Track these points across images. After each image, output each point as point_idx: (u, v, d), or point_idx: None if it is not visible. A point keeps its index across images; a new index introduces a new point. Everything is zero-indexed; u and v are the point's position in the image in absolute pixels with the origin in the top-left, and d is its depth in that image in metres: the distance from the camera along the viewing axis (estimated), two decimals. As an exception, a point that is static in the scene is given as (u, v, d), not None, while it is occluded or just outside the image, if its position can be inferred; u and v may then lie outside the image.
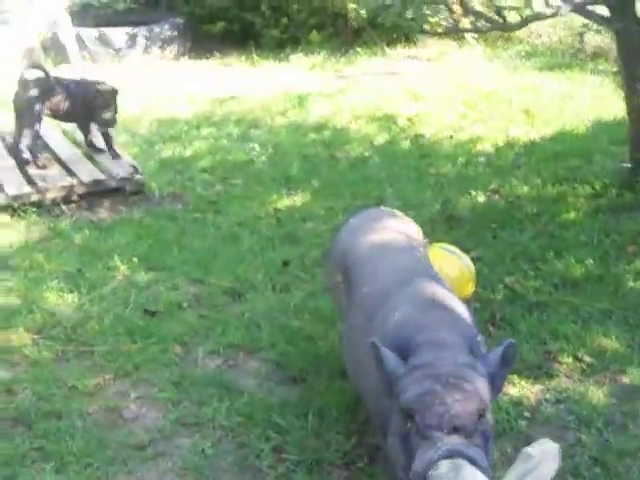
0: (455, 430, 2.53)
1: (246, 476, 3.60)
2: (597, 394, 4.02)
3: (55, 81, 6.79)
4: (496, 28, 6.14)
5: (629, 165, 6.43)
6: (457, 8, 5.80)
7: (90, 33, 10.58)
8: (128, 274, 5.34)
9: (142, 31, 10.82)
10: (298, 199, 6.49)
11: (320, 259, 5.43)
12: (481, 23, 6.02)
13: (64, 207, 6.29)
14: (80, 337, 4.67)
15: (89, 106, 6.71)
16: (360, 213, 4.04)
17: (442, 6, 5.60)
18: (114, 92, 6.73)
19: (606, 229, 5.74)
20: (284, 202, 6.45)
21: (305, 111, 8.64)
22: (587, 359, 4.31)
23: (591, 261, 5.33)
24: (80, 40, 10.52)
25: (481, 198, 6.38)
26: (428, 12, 5.53)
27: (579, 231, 5.73)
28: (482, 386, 2.67)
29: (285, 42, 11.06)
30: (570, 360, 4.33)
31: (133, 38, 10.79)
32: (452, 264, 4.78)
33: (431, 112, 8.34)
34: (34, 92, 6.61)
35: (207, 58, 10.95)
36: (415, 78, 9.57)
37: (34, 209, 6.24)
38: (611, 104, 8.10)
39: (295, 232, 5.94)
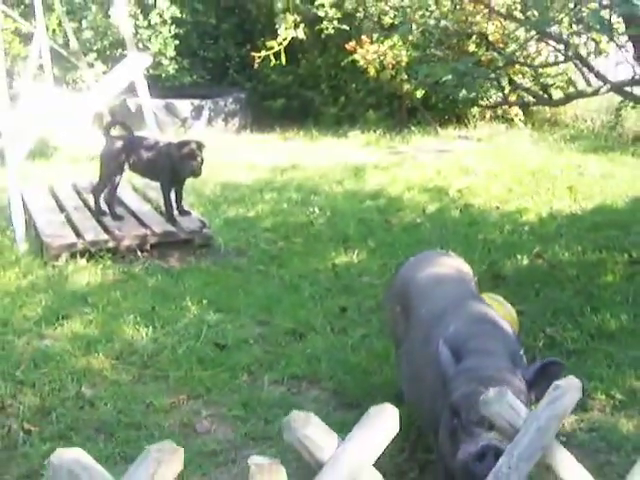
0: (493, 427, 2.96)
1: (308, 480, 4.02)
2: (627, 425, 4.40)
3: (139, 138, 7.42)
4: (541, 103, 6.68)
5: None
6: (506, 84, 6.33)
7: (157, 103, 11.31)
8: (198, 314, 5.84)
9: (207, 103, 11.53)
10: (354, 256, 6.98)
11: (374, 307, 5.91)
12: (528, 98, 6.56)
13: (139, 253, 6.83)
14: (156, 364, 5.15)
15: (174, 158, 7.14)
16: (418, 254, 4.55)
17: (493, 83, 6.13)
18: (200, 143, 7.22)
19: (642, 290, 6.14)
20: (342, 258, 6.95)
21: (361, 181, 9.21)
22: (619, 396, 4.69)
23: (625, 316, 5.72)
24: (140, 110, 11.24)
25: (525, 261, 6.82)
26: (483, 85, 6.04)
27: (616, 292, 6.13)
28: (519, 389, 3.10)
29: (343, 119, 11.71)
30: (603, 397, 4.71)
31: (198, 110, 11.51)
32: (496, 308, 5.24)
33: (480, 185, 8.85)
34: (118, 146, 7.24)
35: (268, 132, 11.61)
36: (466, 156, 10.12)
37: (109, 255, 6.80)
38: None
39: (352, 284, 6.42)
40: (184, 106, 11.52)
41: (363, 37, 10.73)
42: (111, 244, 6.92)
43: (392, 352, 4.95)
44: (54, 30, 11.78)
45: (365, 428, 2.00)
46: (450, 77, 6.10)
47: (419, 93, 10.70)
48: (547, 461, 2.26)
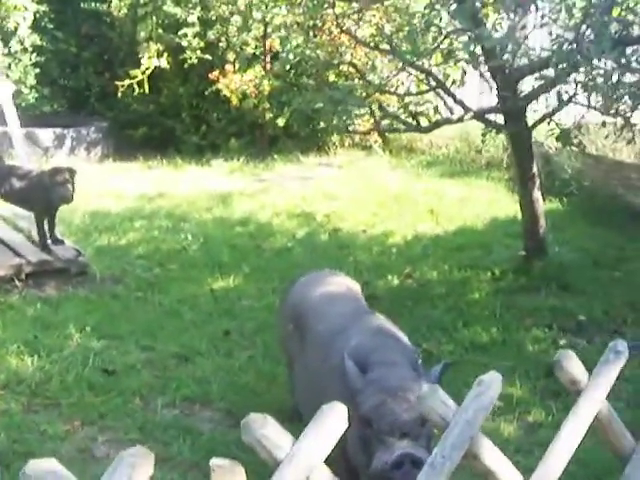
0: (404, 435, 3.18)
1: (213, 497, 4.12)
2: (508, 429, 4.73)
3: (9, 167, 7.34)
4: (410, 130, 7.03)
5: (523, 253, 7.34)
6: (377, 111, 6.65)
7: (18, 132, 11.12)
8: (82, 341, 5.84)
9: (69, 132, 11.43)
10: (231, 281, 7.12)
11: (257, 329, 6.08)
12: (398, 125, 6.90)
13: (17, 282, 6.75)
14: (45, 392, 5.13)
15: (46, 186, 7.11)
16: (307, 274, 4.75)
17: (366, 109, 6.43)
18: (71, 170, 7.21)
19: (506, 305, 6.58)
20: (219, 283, 7.08)
21: (229, 208, 9.36)
22: (497, 403, 4.99)
23: (495, 330, 6.13)
24: (9, 139, 11.05)
25: (396, 281, 7.15)
26: (356, 113, 6.32)
27: (483, 307, 6.55)
28: None
29: (204, 148, 11.83)
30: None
31: (60, 139, 11.39)
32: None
33: (346, 210, 9.16)
34: None
35: (131, 161, 11.59)
36: (328, 182, 10.43)
37: (-17, 286, 6.71)
38: (504, 205, 9.10)
39: (232, 308, 6.56)
40: (46, 135, 11.38)
41: (227, 67, 10.92)
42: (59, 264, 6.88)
43: (279, 371, 5.15)
44: None
45: (317, 427, 2.16)
46: (323, 105, 6.37)
47: (281, 121, 10.94)
48: (474, 450, 2.48)
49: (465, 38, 5.36)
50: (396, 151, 11.87)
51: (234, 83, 10.78)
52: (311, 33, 7.39)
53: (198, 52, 11.10)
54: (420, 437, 3.21)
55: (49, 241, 7.28)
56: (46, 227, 7.33)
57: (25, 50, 11.52)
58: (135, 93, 10.82)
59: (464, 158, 11.22)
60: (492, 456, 2.57)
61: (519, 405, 4.99)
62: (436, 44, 5.79)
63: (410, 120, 6.74)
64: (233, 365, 5.55)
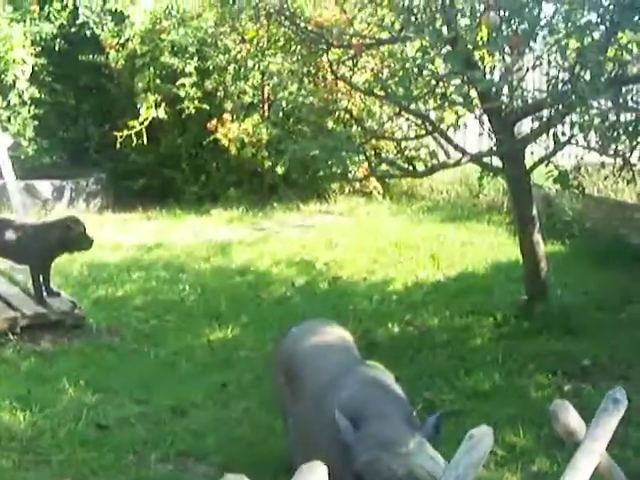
0: None
1: None
2: (511, 479, 4.59)
3: (3, 221, 7.29)
4: (406, 175, 6.97)
5: (525, 297, 7.23)
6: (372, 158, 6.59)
7: (17, 184, 11.07)
8: (76, 395, 5.73)
9: (68, 184, 11.41)
10: (229, 332, 7.02)
11: (254, 380, 5.96)
12: (393, 171, 6.84)
13: (10, 336, 6.65)
14: (36, 448, 5.01)
15: (59, 241, 7.08)
16: (300, 324, 4.66)
17: (361, 156, 6.37)
18: (74, 218, 7.27)
19: (509, 351, 6.44)
20: (216, 334, 6.98)
21: (228, 257, 9.28)
22: (500, 452, 4.87)
23: (497, 376, 5.99)
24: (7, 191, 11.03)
25: (396, 329, 7.03)
26: (351, 159, 6.25)
27: (485, 353, 6.42)
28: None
29: (204, 198, 11.77)
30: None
31: (60, 190, 11.36)
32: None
33: (346, 258, 9.07)
34: None
35: (130, 211, 11.53)
36: (328, 230, 10.35)
37: (-22, 340, 6.61)
38: (506, 249, 8.99)
39: (229, 359, 6.46)
40: (45, 187, 11.35)
41: (225, 116, 10.91)
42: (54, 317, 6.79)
43: (276, 423, 5.02)
44: None
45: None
46: (318, 152, 6.32)
47: (280, 170, 10.92)
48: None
49: (458, 81, 5.31)
50: (396, 197, 11.80)
51: (232, 132, 10.76)
52: (306, 80, 7.36)
53: (196, 102, 11.08)
54: None
55: (45, 294, 7.19)
56: (41, 280, 7.25)
57: (24, 103, 11.50)
58: (134, 144, 10.80)
59: (465, 202, 11.15)
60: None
61: (523, 454, 4.85)
62: (430, 88, 5.74)
63: (406, 165, 6.67)
64: (229, 417, 5.43)
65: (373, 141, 7.04)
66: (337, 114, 8.33)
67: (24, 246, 7.14)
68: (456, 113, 6.52)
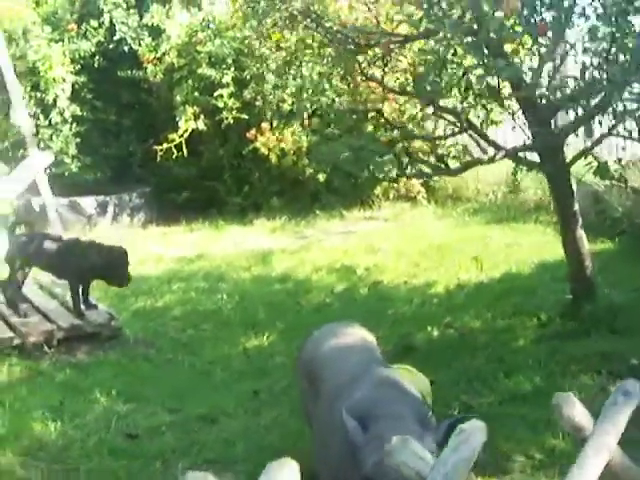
0: None
1: None
2: (549, 487, 4.40)
3: (44, 236, 7.30)
4: (439, 173, 6.81)
5: (570, 297, 6.99)
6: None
7: (61, 201, 11.16)
8: (108, 405, 5.69)
9: (112, 199, 11.45)
10: (265, 339, 6.92)
11: (287, 387, 5.84)
12: (426, 170, 6.68)
13: (46, 348, 6.63)
14: (66, 458, 4.97)
15: (100, 266, 7.02)
16: (322, 327, 4.54)
17: (391, 156, 6.22)
18: (126, 253, 7.12)
19: (552, 352, 6.22)
20: (252, 342, 6.89)
21: (269, 266, 9.19)
22: (538, 456, 4.69)
23: (538, 379, 5.79)
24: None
25: (436, 332, 6.85)
26: (379, 160, 6.11)
27: (527, 355, 6.20)
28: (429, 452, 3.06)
29: (247, 208, 11.71)
30: (523, 459, 4.72)
31: (103, 206, 11.41)
32: (410, 382, 5.24)
33: (387, 263, 8.92)
34: (23, 245, 7.19)
35: (173, 225, 11.51)
36: (371, 235, 10.20)
37: (16, 352, 6.59)
38: (552, 248, 8.71)
39: (264, 366, 6.36)
40: (88, 203, 11.41)
41: (263, 125, 10.83)
42: (17, 341, 6.74)
43: (305, 430, 4.88)
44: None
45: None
46: (347, 154, 6.19)
47: (322, 177, 10.81)
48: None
49: (480, 71, 5.13)
50: (442, 201, 11.60)
51: (272, 141, 10.68)
52: (335, 82, 7.24)
53: (234, 112, 11.03)
54: None
55: (83, 306, 7.17)
56: (80, 293, 7.24)
57: (65, 121, 11.57)
58: (175, 157, 10.78)
59: (511, 203, 10.90)
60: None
61: (561, 458, 4.63)
62: (455, 81, 5.57)
63: (438, 163, 6.50)
64: (259, 425, 5.32)
65: (406, 142, 6.85)
66: (369, 116, 8.15)
67: (67, 263, 7.11)
68: (484, 107, 6.34)
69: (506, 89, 6.17)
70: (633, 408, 2.73)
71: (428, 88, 5.51)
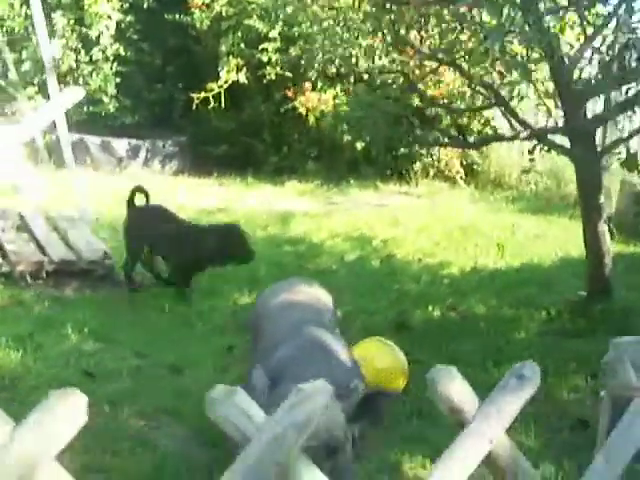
0: None
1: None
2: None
3: (163, 212, 6.95)
4: (457, 145, 6.44)
5: (584, 294, 6.60)
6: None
7: (93, 140, 11.03)
8: (77, 342, 5.49)
9: (145, 144, 11.26)
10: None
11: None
12: (443, 139, 6.33)
13: (29, 280, 6.46)
14: (17, 389, 4.77)
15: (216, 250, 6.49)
16: (279, 282, 4.28)
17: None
18: (240, 228, 6.72)
19: (551, 348, 5.87)
20: (244, 299, 6.64)
21: (286, 227, 8.92)
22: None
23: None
24: (85, 147, 10.99)
25: (437, 313, 6.53)
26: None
27: (525, 348, 5.86)
28: (335, 422, 2.76)
29: (283, 169, 11.43)
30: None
31: (135, 150, 11.22)
32: (383, 356, 4.99)
33: (406, 238, 8.58)
34: (143, 219, 6.83)
35: (205, 177, 11.29)
36: (400, 210, 9.86)
37: (2, 280, 6.43)
38: (581, 245, 8.31)
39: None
40: (121, 145, 11.24)
41: (305, 84, 10.52)
42: (5, 269, 6.57)
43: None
44: (-8, 60, 11.53)
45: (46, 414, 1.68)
46: (360, 113, 5.89)
47: (359, 145, 10.48)
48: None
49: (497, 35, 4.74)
50: (482, 185, 11.19)
51: (311, 101, 10.37)
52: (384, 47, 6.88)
53: (278, 69, 10.73)
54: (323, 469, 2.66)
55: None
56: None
57: (107, 59, 11.39)
58: (212, 107, 10.52)
59: (552, 195, 10.49)
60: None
61: (529, 459, 4.30)
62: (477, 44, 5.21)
63: (457, 135, 6.15)
64: (223, 380, 4.98)
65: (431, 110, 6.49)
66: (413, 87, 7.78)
67: (182, 243, 6.60)
68: (510, 84, 5.96)
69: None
70: (528, 396, 2.39)
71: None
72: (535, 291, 7.08)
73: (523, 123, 6.25)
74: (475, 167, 11.33)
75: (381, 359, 4.96)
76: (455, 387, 2.29)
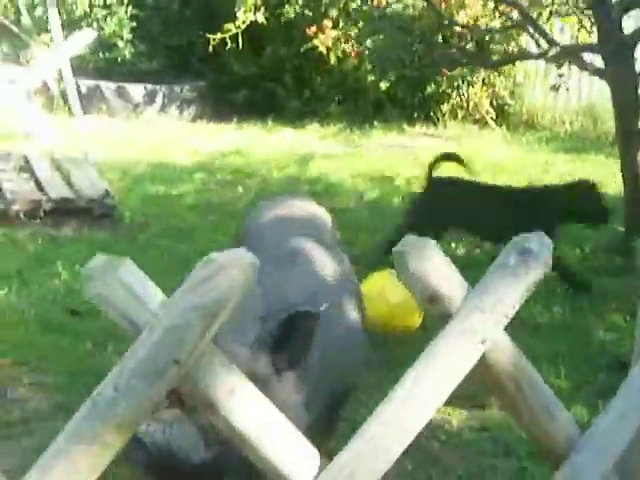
0: None
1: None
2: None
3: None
4: (476, 64, 5.92)
5: (622, 229, 6.10)
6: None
7: (109, 85, 10.62)
8: (66, 280, 5.15)
9: (161, 89, 10.82)
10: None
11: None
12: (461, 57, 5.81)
13: (23, 218, 6.10)
14: (-3, 326, 4.42)
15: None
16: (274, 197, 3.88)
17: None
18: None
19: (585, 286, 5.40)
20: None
21: (305, 168, 8.46)
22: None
23: (560, 310, 4.99)
24: (100, 93, 10.59)
25: (461, 250, 6.08)
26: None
27: (556, 285, 5.38)
28: (262, 341, 2.34)
29: (305, 114, 10.94)
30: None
31: (152, 95, 10.79)
32: (397, 289, 4.47)
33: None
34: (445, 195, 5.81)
35: (224, 123, 10.83)
36: (426, 151, 9.31)
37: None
38: (618, 183, 7.77)
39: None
40: (137, 91, 10.80)
41: (325, 22, 9.96)
42: (1, 206, 6.22)
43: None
44: (5, 5, 11.10)
45: None
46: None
47: (383, 85, 9.96)
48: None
49: None
50: (514, 126, 10.61)
51: (332, 39, 9.80)
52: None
53: (297, 7, 10.19)
54: None
55: None
56: None
57: (121, 2, 10.91)
58: (227, 48, 9.99)
59: (588, 135, 9.91)
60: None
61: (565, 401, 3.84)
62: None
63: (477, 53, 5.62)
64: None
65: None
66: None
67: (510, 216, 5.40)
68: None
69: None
70: (534, 279, 1.91)
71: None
72: (566, 229, 6.56)
73: (552, 42, 5.71)
74: (506, 108, 10.75)
75: (394, 293, 4.49)
76: (434, 266, 1.81)
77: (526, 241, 1.84)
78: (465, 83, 10.51)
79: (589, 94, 10.44)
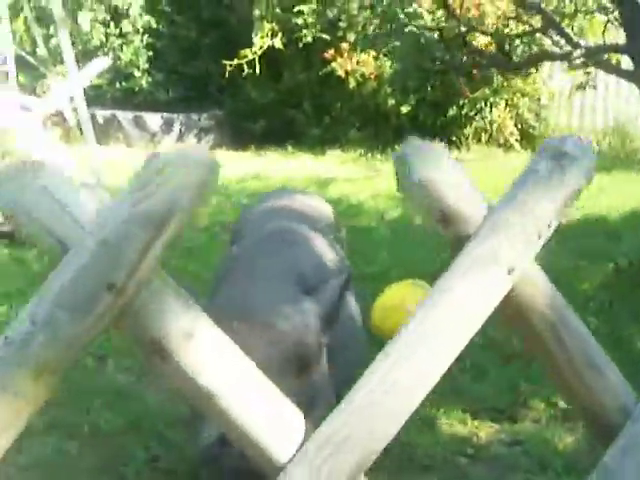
0: None
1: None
2: (564, 440, 3.32)
3: None
4: (499, 66, 5.65)
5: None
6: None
7: (126, 115, 10.47)
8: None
9: (179, 117, 10.66)
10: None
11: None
12: (484, 62, 5.55)
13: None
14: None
15: None
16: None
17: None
18: None
19: (622, 297, 5.13)
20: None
21: (325, 190, 8.20)
22: (562, 405, 3.60)
23: (595, 321, 4.65)
24: (117, 122, 10.44)
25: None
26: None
27: (589, 299, 5.12)
28: (303, 324, 2.14)
29: (325, 142, 10.72)
30: (542, 406, 3.66)
31: (169, 124, 10.62)
32: (416, 298, 4.22)
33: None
34: None
35: (243, 150, 10.63)
36: (450, 174, 9.08)
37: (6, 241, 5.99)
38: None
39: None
40: (154, 120, 10.64)
41: (343, 45, 9.75)
42: (7, 228, 6.03)
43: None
44: (21, 37, 11.01)
45: None
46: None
47: (405, 109, 9.72)
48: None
49: None
50: (539, 147, 10.31)
51: (350, 63, 9.59)
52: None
53: (314, 31, 9.98)
54: None
55: None
56: None
57: (137, 31, 10.80)
58: (244, 75, 9.80)
59: (617, 153, 9.62)
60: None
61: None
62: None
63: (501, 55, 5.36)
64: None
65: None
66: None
67: None
68: None
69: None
70: (572, 189, 1.58)
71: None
72: (601, 242, 6.29)
73: (576, 45, 5.44)
74: (531, 131, 10.50)
75: (415, 303, 4.20)
76: (446, 174, 1.48)
77: (561, 142, 1.50)
78: (488, 105, 10.26)
79: (616, 115, 10.19)
